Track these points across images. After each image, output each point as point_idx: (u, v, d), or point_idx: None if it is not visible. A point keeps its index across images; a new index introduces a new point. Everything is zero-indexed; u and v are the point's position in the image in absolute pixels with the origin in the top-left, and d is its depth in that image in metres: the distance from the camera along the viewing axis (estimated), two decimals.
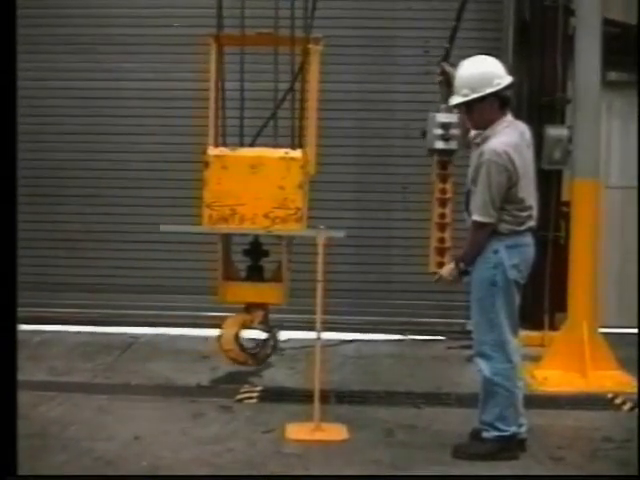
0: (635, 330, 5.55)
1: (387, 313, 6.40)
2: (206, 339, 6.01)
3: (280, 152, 4.35)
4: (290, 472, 3.65)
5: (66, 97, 6.47)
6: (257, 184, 4.29)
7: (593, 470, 3.77)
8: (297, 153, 4.36)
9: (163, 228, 4.53)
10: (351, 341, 6.03)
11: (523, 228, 3.87)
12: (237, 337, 4.55)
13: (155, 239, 6.43)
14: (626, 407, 4.68)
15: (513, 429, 3.88)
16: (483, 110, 3.83)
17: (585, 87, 5.26)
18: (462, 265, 3.96)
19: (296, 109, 4.59)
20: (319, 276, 4.26)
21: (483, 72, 3.81)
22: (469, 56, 3.94)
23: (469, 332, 4.19)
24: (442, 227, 4.99)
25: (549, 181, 5.93)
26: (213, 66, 4.64)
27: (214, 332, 6.01)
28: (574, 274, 5.29)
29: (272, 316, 4.85)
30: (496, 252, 3.83)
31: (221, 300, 4.55)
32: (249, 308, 4.50)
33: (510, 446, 3.88)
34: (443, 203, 5.03)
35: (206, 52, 4.70)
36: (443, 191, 5.04)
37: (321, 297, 4.17)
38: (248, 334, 4.53)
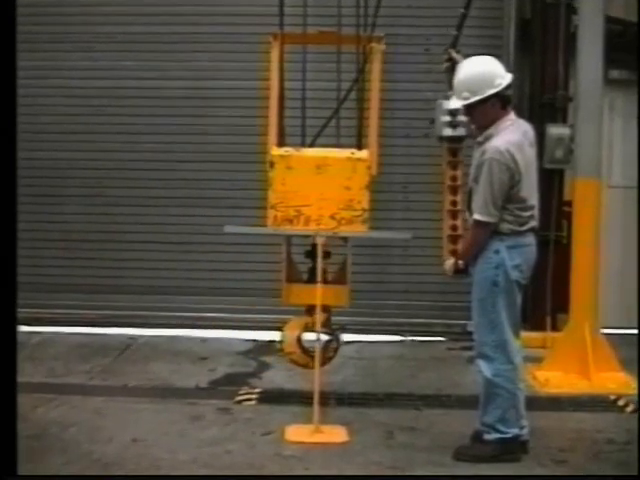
0: (636, 331, 5.55)
1: (387, 314, 6.41)
2: (204, 340, 6.13)
3: (346, 152, 4.33)
4: (290, 474, 3.68)
5: (65, 95, 6.47)
6: (322, 185, 4.26)
7: (596, 472, 3.79)
8: (363, 153, 4.35)
9: (228, 229, 4.49)
10: (351, 342, 6.01)
11: (525, 228, 3.87)
12: (299, 340, 4.53)
13: (153, 239, 6.50)
14: (629, 409, 4.69)
15: (515, 431, 3.89)
16: (485, 111, 3.84)
17: (587, 85, 5.26)
18: (460, 263, 3.98)
19: (361, 109, 4.60)
20: (318, 276, 4.30)
21: (482, 73, 3.81)
22: (469, 54, 3.93)
23: (470, 333, 4.20)
24: (454, 214, 4.95)
25: (551, 180, 5.94)
26: (275, 65, 4.62)
27: (213, 333, 6.01)
28: (576, 274, 5.29)
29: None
30: (497, 252, 3.84)
31: (284, 302, 4.55)
32: (310, 310, 4.46)
33: (512, 448, 3.88)
34: (454, 190, 4.99)
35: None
36: (454, 178, 5.00)
37: (319, 297, 4.22)
38: (309, 336, 4.51)
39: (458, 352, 5.87)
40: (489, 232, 3.83)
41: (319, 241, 4.32)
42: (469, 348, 4.85)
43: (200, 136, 6.48)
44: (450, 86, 3.97)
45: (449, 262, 4.10)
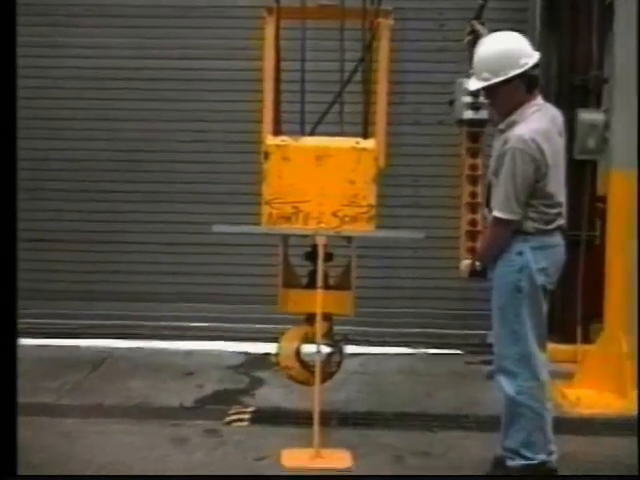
0: None
1: (396, 323, 6.41)
2: (190, 353, 6.12)
3: (350, 142, 4.33)
4: None
5: (37, 76, 6.38)
6: (324, 178, 4.27)
7: None
8: (369, 143, 4.34)
9: (216, 228, 4.50)
10: (356, 355, 6.02)
11: (552, 227, 3.86)
12: (298, 352, 4.54)
13: (132, 239, 6.49)
14: None
15: (541, 457, 3.87)
16: (508, 94, 3.82)
17: (624, 65, 5.21)
18: (477, 265, 3.97)
19: (367, 92, 4.60)
20: (319, 281, 4.30)
21: (506, 51, 3.79)
22: (491, 29, 3.92)
23: (490, 345, 4.19)
24: (473, 208, 4.93)
25: (582, 173, 5.89)
26: (269, 43, 4.60)
27: (199, 345, 6.02)
28: (611, 279, 5.28)
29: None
30: (521, 254, 3.83)
31: (281, 310, 4.56)
32: (310, 319, 4.44)
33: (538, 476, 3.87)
34: (474, 181, 4.97)
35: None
36: (474, 167, 4.99)
37: (320, 304, 4.22)
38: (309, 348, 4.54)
39: (477, 366, 5.87)
40: (511, 231, 3.82)
41: (320, 241, 4.32)
42: (489, 362, 4.81)
43: (185, 123, 6.46)
44: (472, 63, 3.95)
45: (465, 262, 4.10)
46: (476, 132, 5.07)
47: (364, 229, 4.32)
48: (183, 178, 6.46)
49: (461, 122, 5.05)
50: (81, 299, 6.46)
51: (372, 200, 4.29)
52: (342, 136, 4.50)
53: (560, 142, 3.90)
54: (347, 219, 4.28)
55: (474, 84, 3.93)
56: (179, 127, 6.46)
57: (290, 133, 4.50)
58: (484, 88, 3.88)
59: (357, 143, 4.35)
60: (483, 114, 4.90)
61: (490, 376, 4.73)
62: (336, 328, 4.63)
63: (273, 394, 5.23)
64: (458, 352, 6.25)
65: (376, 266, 6.34)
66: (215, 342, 6.28)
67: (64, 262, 6.48)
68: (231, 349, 6.21)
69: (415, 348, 6.30)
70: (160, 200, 6.48)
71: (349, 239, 4.51)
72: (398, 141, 6.09)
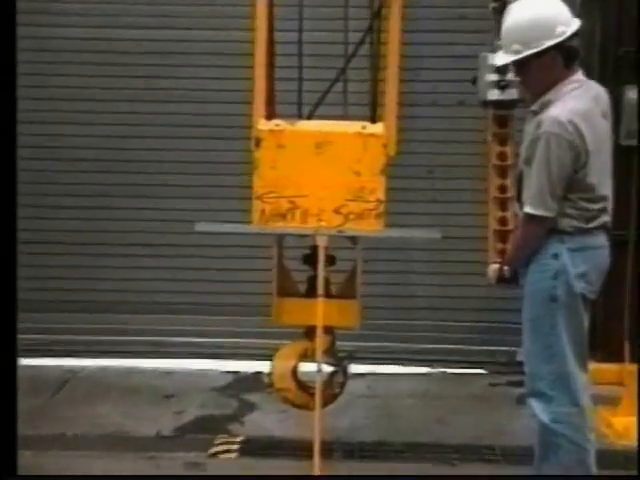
0: None
1: (409, 338, 6.38)
2: (169, 373, 6.10)
3: (355, 126, 4.33)
4: None
5: None
6: (325, 169, 4.28)
7: None
8: (378, 127, 4.34)
9: (200, 227, 4.53)
10: (363, 375, 6.03)
11: (593, 225, 3.84)
12: (295, 372, 4.52)
13: (101, 240, 6.44)
14: None
15: None
16: (542, 69, 3.79)
17: None
18: (506, 270, 3.97)
19: (375, 68, 4.60)
20: (319, 288, 4.27)
21: (539, 19, 3.76)
22: None
23: (520, 364, 4.18)
24: (503, 203, 4.89)
25: (629, 162, 5.85)
26: (262, 10, 4.55)
27: (180, 363, 6.03)
28: None
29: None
30: (556, 257, 3.82)
31: (275, 322, 4.56)
32: (309, 333, 4.44)
33: None
34: (503, 172, 4.93)
35: None
36: (502, 156, 4.95)
37: (321, 316, 4.21)
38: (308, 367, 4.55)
39: (504, 389, 5.88)
40: (545, 230, 3.80)
41: (320, 242, 4.31)
42: (519, 384, 4.82)
43: (164, 104, 6.44)
44: (498, 34, 3.92)
45: (493, 267, 4.09)
46: (504, 115, 5.03)
47: (372, 228, 4.32)
48: (161, 169, 6.43)
49: (486, 103, 5.01)
50: (39, 310, 6.34)
51: (381, 194, 4.29)
52: (346, 120, 4.49)
53: (604, 125, 3.87)
54: (352, 216, 4.29)
55: (502, 58, 3.90)
56: (156, 109, 6.43)
57: (285, 116, 4.49)
58: (514, 63, 3.85)
59: (363, 128, 4.34)
60: (512, 93, 4.86)
61: (520, 400, 4.75)
62: (339, 343, 4.61)
63: (266, 420, 5.26)
64: (482, 372, 6.24)
65: (386, 271, 6.32)
66: (198, 360, 6.28)
67: (20, 267, 6.43)
68: (217, 368, 6.21)
69: (431, 367, 6.29)
70: (136, 195, 6.46)
71: (354, 240, 4.50)
72: (411, 125, 6.07)
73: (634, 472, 4.48)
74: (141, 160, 6.45)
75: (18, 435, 4.72)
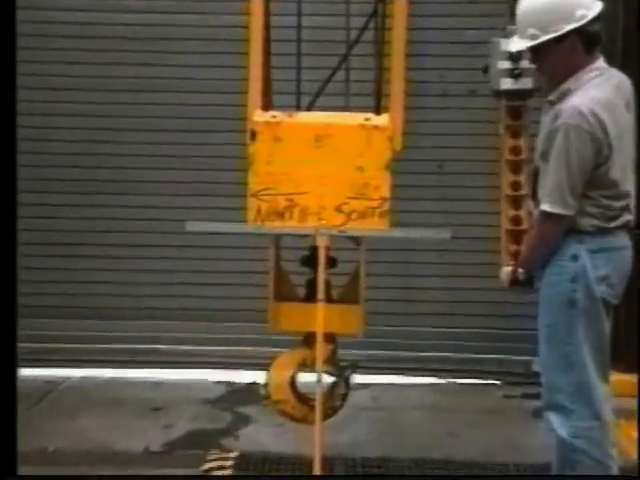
0: None
1: (416, 346, 6.40)
2: (158, 384, 6.11)
3: (359, 118, 4.33)
4: None
5: None
6: (325, 164, 4.28)
7: None
8: (382, 119, 4.33)
9: (190, 227, 4.49)
10: (366, 385, 6.04)
11: (615, 224, 3.82)
12: (293, 383, 4.51)
13: (83, 240, 6.45)
14: None
15: None
16: (560, 56, 3.78)
17: None
18: (521, 273, 3.95)
19: (379, 55, 4.59)
20: (319, 292, 4.26)
21: (558, 1, 3.75)
22: None
23: (536, 374, 4.16)
24: (516, 201, 4.87)
25: None
26: None
27: (169, 374, 6.04)
28: None
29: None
30: (575, 258, 3.81)
31: (272, 329, 4.56)
32: (309, 340, 4.44)
33: None
34: (516, 167, 4.90)
35: None
36: (516, 150, 4.92)
37: (321, 322, 4.20)
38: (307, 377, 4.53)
39: (519, 401, 5.88)
40: (563, 230, 3.80)
41: (320, 243, 4.30)
42: (535, 396, 4.78)
43: (152, 94, 6.45)
44: (512, 17, 3.91)
45: (506, 270, 4.08)
46: (518, 105, 5.00)
47: (376, 227, 4.31)
48: (149, 163, 6.44)
49: (498, 93, 4.98)
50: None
51: (385, 191, 4.28)
52: (348, 111, 4.49)
53: (628, 117, 3.84)
54: (354, 215, 4.28)
55: (516, 44, 3.89)
56: (142, 99, 6.44)
57: (283, 107, 4.49)
58: (530, 49, 3.84)
59: (367, 120, 4.33)
60: (527, 82, 4.84)
61: (537, 414, 4.76)
62: (341, 352, 4.61)
63: (262, 435, 5.25)
64: (495, 383, 6.25)
65: (391, 274, 6.35)
66: (189, 369, 6.29)
67: None
68: (209, 378, 6.22)
69: (440, 377, 6.30)
70: (119, 192, 6.47)
71: (357, 240, 4.49)
72: (419, 117, 6.06)
73: None
74: (127, 154, 6.46)
75: None
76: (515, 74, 4.80)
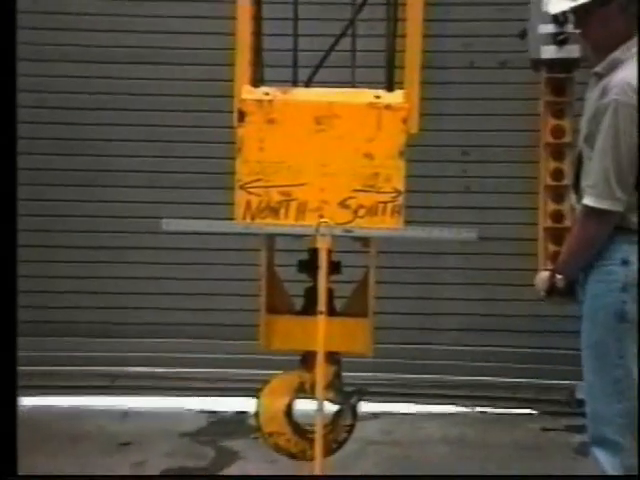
0: None
1: (436, 368, 6.42)
2: (126, 414, 6.15)
3: (367, 95, 4.31)
4: None
5: None
6: (327, 150, 4.28)
7: None
8: (396, 97, 4.31)
9: (167, 226, 4.45)
10: (377, 415, 6.07)
11: None
12: (289, 411, 4.51)
13: (44, 242, 6.46)
14: None
15: None
16: (608, 20, 3.79)
17: None
18: (559, 279, 3.96)
19: (392, 21, 4.54)
20: (320, 303, 4.25)
21: None
22: None
23: (580, 402, 4.19)
24: (557, 194, 4.84)
25: None
26: None
27: (141, 401, 6.08)
28: None
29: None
30: (626, 263, 3.82)
31: (264, 347, 4.53)
32: (307, 361, 4.45)
33: None
34: (558, 152, 4.88)
35: None
36: (558, 132, 4.90)
37: (322, 339, 4.20)
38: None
39: (559, 435, 5.90)
40: (610, 228, 3.80)
41: (322, 244, 4.28)
42: (579, 429, 4.87)
43: (126, 67, 6.49)
44: None
45: (543, 276, 4.07)
46: (562, 78, 5.00)
47: (387, 226, 4.29)
48: (124, 150, 6.49)
49: (538, 63, 5.00)
50: None
51: (399, 183, 4.26)
52: (355, 87, 4.49)
53: None
54: (362, 211, 4.27)
55: (558, 4, 3.91)
56: (116, 72, 6.47)
57: (277, 82, 4.45)
58: (574, 10, 3.86)
59: (377, 97, 4.31)
60: (573, 50, 4.85)
61: (581, 450, 4.83)
62: (346, 375, 4.58)
63: (251, 473, 5.27)
64: (531, 412, 6.27)
65: (406, 281, 6.38)
66: (164, 396, 6.31)
67: None
68: (188, 406, 6.24)
69: (465, 405, 6.32)
70: (92, 184, 6.52)
71: (365, 241, 4.47)
72: (440, 94, 6.10)
73: None
74: (104, 139, 6.53)
75: None
76: (559, 40, 4.80)
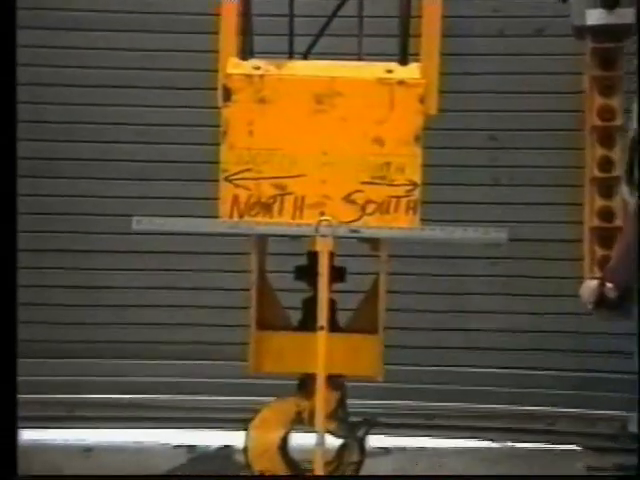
0: None
1: (459, 394, 6.42)
2: (89, 450, 6.15)
3: (376, 69, 4.33)
4: None
5: None
6: (329, 135, 4.30)
7: None
8: (411, 71, 4.33)
9: (138, 224, 4.43)
10: (389, 450, 6.09)
11: None
12: (284, 446, 4.52)
13: None
14: None
15: None
16: None
17: None
18: (610, 289, 3.95)
19: None
20: (320, 317, 4.20)
21: None
22: None
23: (634, 437, 4.27)
24: (606, 187, 4.90)
25: None
26: None
27: (108, 435, 6.03)
28: None
29: None
30: None
31: (254, 370, 4.56)
32: (306, 386, 4.45)
33: None
34: (607, 137, 4.92)
35: None
36: (606, 112, 4.95)
37: (323, 359, 4.17)
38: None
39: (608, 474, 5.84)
40: None
41: (323, 247, 4.26)
42: (632, 468, 4.65)
43: (95, 34, 6.51)
44: None
45: (590, 284, 4.08)
46: (611, 49, 5.03)
47: (401, 225, 4.30)
48: (90, 134, 6.51)
49: (582, 31, 5.01)
50: None
51: (415, 174, 4.26)
52: (362, 59, 4.52)
53: None
54: (371, 207, 4.28)
55: None
56: (85, 42, 6.50)
57: (270, 54, 4.48)
58: None
59: (389, 72, 4.31)
60: (624, 15, 4.87)
61: None
62: (352, 402, 4.57)
63: None
64: (573, 448, 6.25)
65: (424, 291, 6.38)
66: (134, 429, 6.31)
67: None
68: (163, 440, 6.26)
69: (495, 439, 6.33)
70: (50, 175, 6.52)
71: (375, 243, 4.48)
72: (464, 67, 6.12)
73: None
74: (63, 121, 6.54)
75: None
76: (609, 3, 4.81)
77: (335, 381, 4.41)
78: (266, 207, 4.28)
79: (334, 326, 4.39)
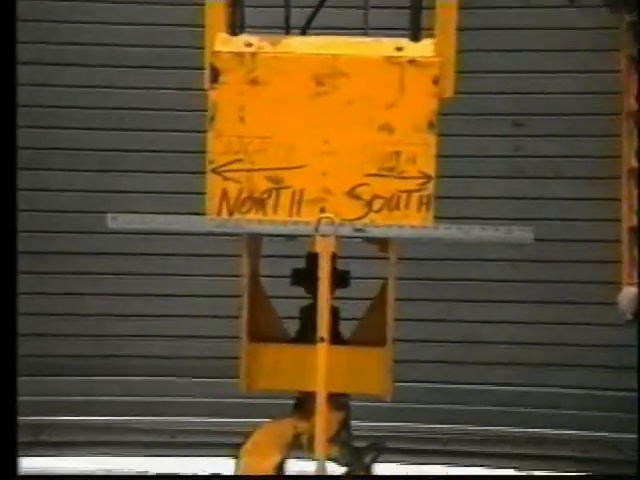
0: None
1: (475, 415, 6.43)
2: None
3: (385, 46, 4.35)
4: None
5: None
6: (331, 121, 4.32)
7: None
8: (424, 49, 4.34)
9: (114, 222, 4.45)
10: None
11: None
12: (279, 474, 4.52)
13: None
14: None
15: None
16: None
17: None
18: None
19: None
20: (320, 328, 4.18)
21: None
22: None
23: None
24: None
25: None
26: None
27: (75, 463, 6.01)
28: None
29: None
30: None
31: (246, 388, 4.54)
32: (303, 406, 4.47)
33: None
34: None
35: None
36: None
37: (324, 375, 4.15)
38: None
39: None
40: None
41: (324, 248, 4.28)
42: None
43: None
44: None
45: (630, 292, 4.12)
46: None
47: (412, 223, 4.30)
48: (62, 120, 6.56)
49: (617, 2, 5.00)
50: None
51: (428, 165, 4.27)
52: (368, 35, 4.53)
53: None
54: (378, 203, 4.29)
55: None
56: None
57: (263, 30, 4.49)
58: None
59: (399, 49, 4.31)
60: None
61: None
62: (357, 424, 4.61)
63: None
64: (610, 476, 6.24)
65: (438, 298, 6.41)
66: (106, 456, 6.34)
67: None
68: (139, 468, 6.25)
69: (516, 467, 6.32)
70: (27, 166, 6.45)
71: (383, 243, 4.48)
72: (483, 44, 6.14)
73: None
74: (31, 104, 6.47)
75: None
76: None
77: (337, 400, 4.42)
78: (259, 203, 4.29)
79: (336, 338, 4.39)
